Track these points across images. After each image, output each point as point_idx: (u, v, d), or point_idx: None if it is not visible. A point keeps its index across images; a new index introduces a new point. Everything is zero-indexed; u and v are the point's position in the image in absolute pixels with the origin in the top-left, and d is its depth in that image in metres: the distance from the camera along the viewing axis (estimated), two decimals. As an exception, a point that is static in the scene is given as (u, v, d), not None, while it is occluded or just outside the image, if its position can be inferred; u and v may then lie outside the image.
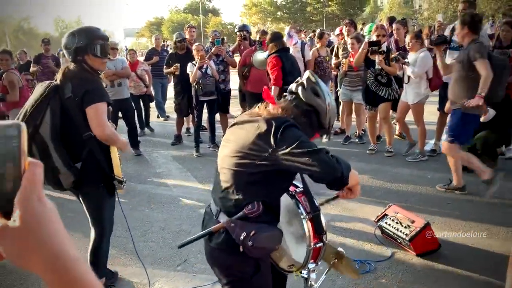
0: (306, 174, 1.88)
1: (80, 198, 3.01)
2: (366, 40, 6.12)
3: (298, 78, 2.05)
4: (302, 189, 2.13)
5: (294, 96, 1.97)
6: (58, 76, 2.81)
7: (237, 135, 1.94)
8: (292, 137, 1.78)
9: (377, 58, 5.82)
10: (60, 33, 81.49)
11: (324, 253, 2.18)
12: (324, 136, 2.06)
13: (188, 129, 8.31)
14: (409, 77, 5.67)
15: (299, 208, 2.04)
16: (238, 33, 7.57)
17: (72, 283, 0.61)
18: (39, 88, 2.76)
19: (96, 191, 2.93)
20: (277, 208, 1.99)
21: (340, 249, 2.34)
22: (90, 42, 2.78)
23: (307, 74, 2.03)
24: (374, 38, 6.02)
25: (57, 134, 2.69)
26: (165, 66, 7.40)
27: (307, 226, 2.01)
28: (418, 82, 5.63)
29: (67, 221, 4.58)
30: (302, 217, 2.02)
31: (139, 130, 7.80)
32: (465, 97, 4.32)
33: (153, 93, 8.78)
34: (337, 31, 8.16)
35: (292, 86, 2.01)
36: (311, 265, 2.10)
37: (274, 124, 1.80)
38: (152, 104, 9.06)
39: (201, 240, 2.02)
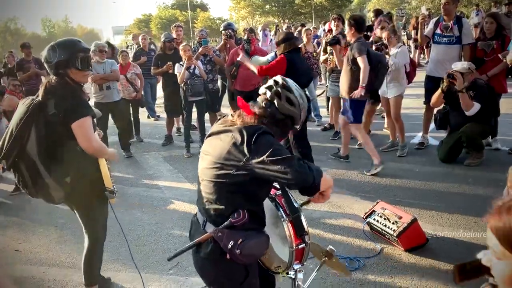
0: (280, 181, 1.89)
1: (74, 209, 3.03)
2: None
3: (271, 82, 2.05)
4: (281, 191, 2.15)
5: (269, 103, 1.99)
6: (40, 92, 2.78)
7: (213, 146, 1.96)
8: (265, 145, 1.81)
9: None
10: (47, 33, 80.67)
11: (310, 253, 2.20)
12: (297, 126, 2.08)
13: (178, 129, 8.33)
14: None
15: (279, 211, 2.07)
16: (223, 32, 7.51)
17: None
18: (22, 107, 2.73)
19: (87, 203, 2.95)
20: (262, 213, 2.02)
21: (330, 247, 2.36)
22: (71, 56, 2.75)
23: (279, 80, 2.03)
24: (378, 31, 6.38)
25: (44, 150, 2.68)
26: (153, 67, 7.37)
27: (288, 228, 2.04)
28: (397, 76, 5.73)
29: (59, 226, 4.61)
30: (282, 219, 2.05)
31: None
32: (348, 86, 5.19)
33: (142, 94, 8.67)
34: (326, 26, 8.19)
35: (266, 93, 2.01)
36: (296, 266, 2.13)
37: (246, 133, 1.83)
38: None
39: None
